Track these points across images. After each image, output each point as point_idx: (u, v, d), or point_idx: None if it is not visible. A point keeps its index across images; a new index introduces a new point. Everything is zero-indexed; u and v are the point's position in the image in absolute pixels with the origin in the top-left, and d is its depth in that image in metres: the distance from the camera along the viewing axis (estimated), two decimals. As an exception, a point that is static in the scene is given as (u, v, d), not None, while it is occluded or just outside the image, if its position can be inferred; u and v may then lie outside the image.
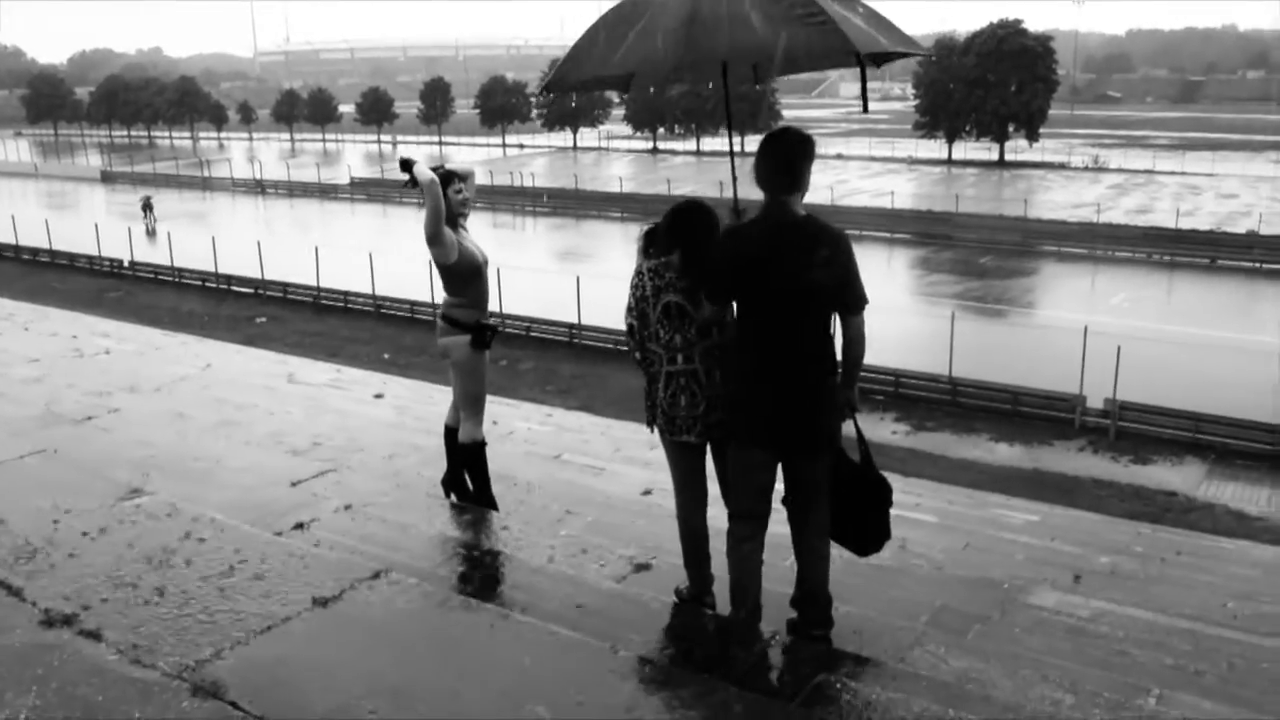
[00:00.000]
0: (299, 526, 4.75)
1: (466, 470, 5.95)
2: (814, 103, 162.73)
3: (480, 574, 4.28)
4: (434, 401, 16.89)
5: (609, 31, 3.86)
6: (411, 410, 14.08)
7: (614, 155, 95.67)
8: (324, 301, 37.22)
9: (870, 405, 26.55)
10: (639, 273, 4.47)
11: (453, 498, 6.14)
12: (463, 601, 3.62)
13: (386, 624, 3.45)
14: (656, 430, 4.61)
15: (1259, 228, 48.49)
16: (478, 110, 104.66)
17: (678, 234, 4.41)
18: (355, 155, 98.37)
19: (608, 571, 4.95)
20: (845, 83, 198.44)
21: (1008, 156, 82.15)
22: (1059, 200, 60.59)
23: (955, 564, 7.28)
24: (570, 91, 4.42)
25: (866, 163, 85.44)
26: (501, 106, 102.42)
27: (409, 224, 60.63)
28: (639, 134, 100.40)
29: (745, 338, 4.10)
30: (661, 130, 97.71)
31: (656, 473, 10.91)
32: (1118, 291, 39.60)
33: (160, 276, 42.15)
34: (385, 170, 79.07)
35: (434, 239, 5.57)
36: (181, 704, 2.88)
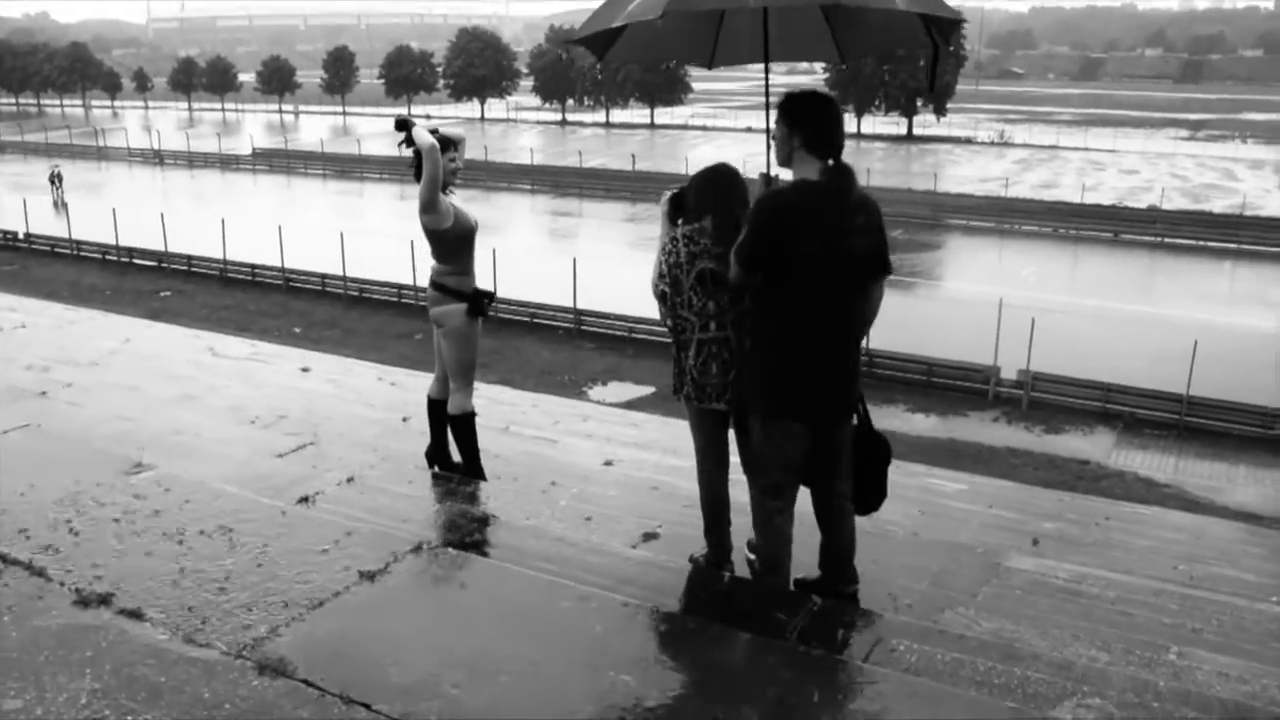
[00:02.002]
0: (304, 500, 4.59)
1: (457, 441, 5.83)
2: (721, 75, 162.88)
3: (505, 543, 4.18)
4: (360, 375, 16.59)
5: None
6: (345, 383, 13.82)
7: (523, 127, 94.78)
8: (231, 275, 36.25)
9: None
10: (672, 239, 4.38)
11: (435, 469, 6.04)
12: (510, 571, 3.52)
13: (442, 596, 3.36)
14: (683, 398, 4.56)
15: (1160, 203, 50.23)
16: (383, 80, 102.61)
17: (709, 199, 4.35)
18: (256, 125, 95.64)
19: (621, 540, 4.90)
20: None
21: (916, 131, 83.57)
22: (967, 174, 61.87)
23: (924, 530, 7.39)
24: (580, 46, 4.29)
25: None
26: (407, 76, 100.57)
27: (314, 195, 59.45)
28: (548, 105, 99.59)
29: (781, 307, 3.98)
30: (570, 102, 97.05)
31: (603, 444, 10.91)
32: (1026, 265, 40.63)
33: (58, 249, 40.56)
34: (288, 140, 77.22)
35: (430, 205, 5.41)
36: (251, 682, 2.75)
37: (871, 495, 4.41)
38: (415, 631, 3.12)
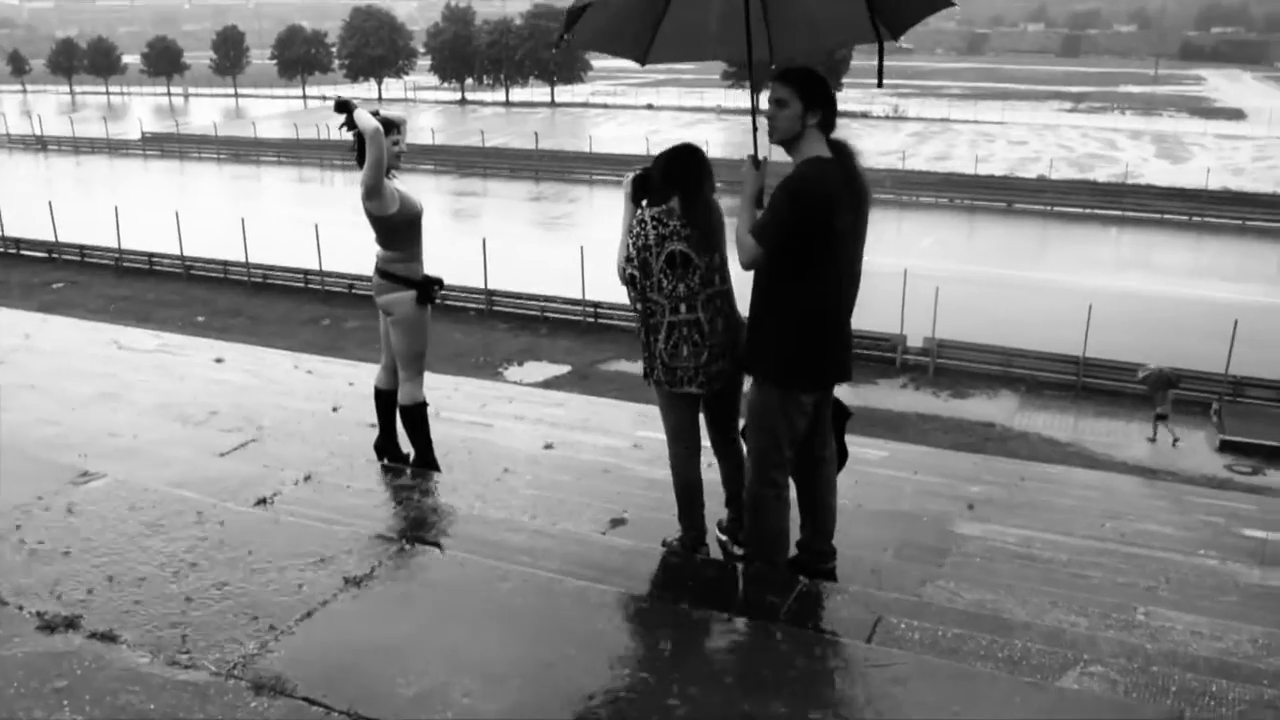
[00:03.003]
0: (262, 502, 4.38)
1: (409, 432, 5.66)
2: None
3: (484, 538, 4.03)
4: (275, 364, 16.22)
5: None
6: (264, 374, 13.49)
7: (422, 106, 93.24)
8: (127, 264, 35.03)
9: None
10: (640, 221, 4.28)
11: (385, 461, 5.87)
12: (503, 569, 3.40)
13: (436, 599, 3.21)
14: (653, 382, 4.48)
15: (1049, 173, 51.65)
16: (275, 61, 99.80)
17: (676, 179, 4.28)
18: (144, 108, 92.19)
19: (591, 527, 4.81)
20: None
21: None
22: (864, 147, 61.42)
23: (866, 500, 7.45)
24: (588, 46, 4.19)
25: (677, 113, 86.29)
26: (300, 57, 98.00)
27: (210, 180, 57.69)
28: (446, 84, 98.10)
29: (806, 280, 3.96)
30: (470, 81, 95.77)
31: (536, 426, 10.81)
32: (925, 235, 41.40)
33: (-64, 241, 38.65)
34: (179, 124, 74.74)
35: (375, 191, 5.23)
36: (250, 704, 2.57)
37: (839, 457, 4.45)
38: (415, 638, 2.98)
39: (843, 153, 3.95)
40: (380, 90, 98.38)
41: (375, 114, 5.26)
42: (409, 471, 5.52)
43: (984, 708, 2.66)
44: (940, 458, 12.99)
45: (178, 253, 34.06)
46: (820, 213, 3.82)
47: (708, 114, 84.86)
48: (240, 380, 11.69)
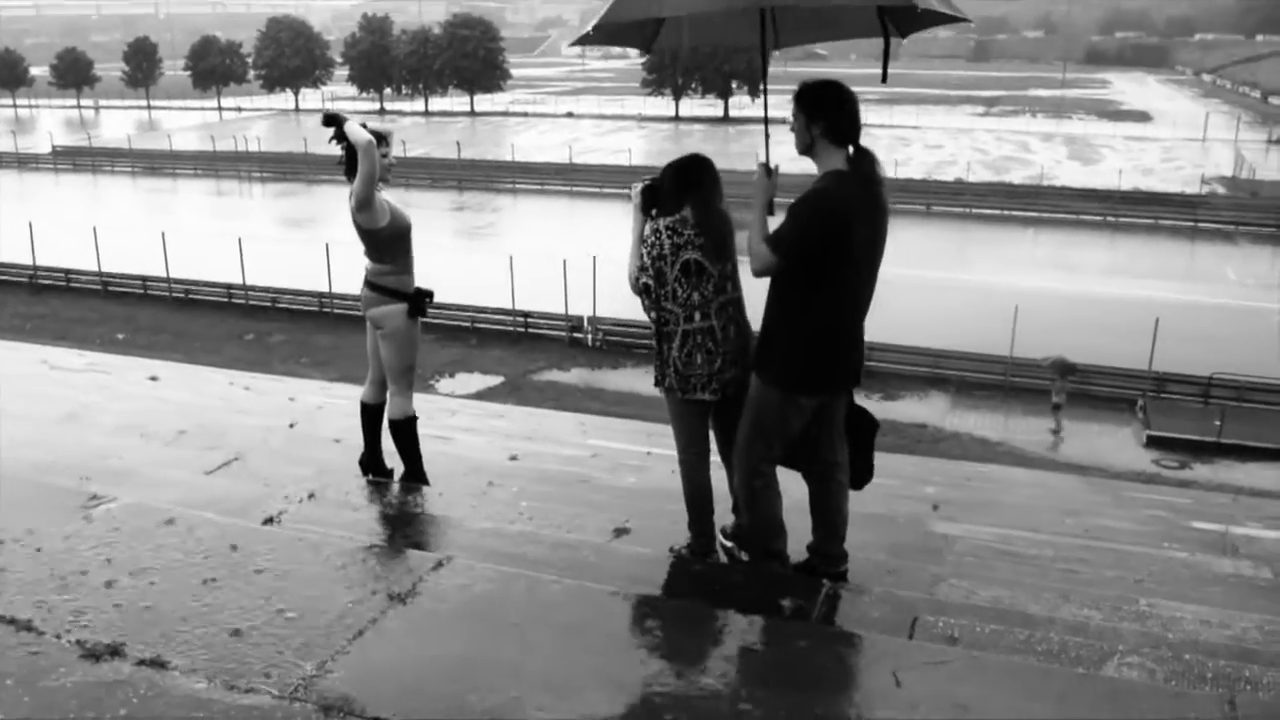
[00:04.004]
0: (270, 521, 4.30)
1: (399, 446, 5.60)
2: (536, 61, 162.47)
3: (507, 550, 4.00)
4: (212, 381, 15.91)
5: None
6: (206, 391, 13.24)
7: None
8: (42, 280, 33.97)
9: (634, 359, 27.28)
10: (655, 230, 4.31)
11: (369, 477, 5.79)
12: (545, 581, 3.37)
13: (485, 612, 3.16)
14: (664, 390, 4.51)
15: (966, 176, 52.77)
16: (189, 72, 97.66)
17: (686, 189, 4.32)
18: (53, 121, 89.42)
19: (601, 538, 4.81)
20: (566, 42, 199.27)
21: (732, 113, 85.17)
22: (786, 153, 62.83)
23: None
24: (603, 41, 4.17)
25: (598, 120, 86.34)
26: (215, 68, 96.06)
27: (125, 193, 56.24)
28: (364, 95, 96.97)
29: (818, 289, 4.01)
30: (388, 91, 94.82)
31: (492, 438, 10.75)
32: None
33: None
34: (91, 136, 72.72)
35: (366, 203, 5.17)
36: (321, 727, 2.54)
37: (863, 470, 4.50)
38: (474, 653, 2.94)
39: (863, 165, 3.99)
40: (297, 101, 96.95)
41: (363, 126, 5.20)
42: (402, 486, 5.46)
43: (1046, 701, 2.73)
44: (885, 460, 13.14)
45: (95, 269, 33.12)
46: (836, 227, 3.88)
47: (628, 122, 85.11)
48: (185, 399, 11.44)
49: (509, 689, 2.74)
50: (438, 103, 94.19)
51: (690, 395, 4.41)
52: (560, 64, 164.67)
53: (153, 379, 13.88)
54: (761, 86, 4.53)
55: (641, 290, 4.40)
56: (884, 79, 4.48)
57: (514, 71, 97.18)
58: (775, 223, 4.10)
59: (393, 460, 5.82)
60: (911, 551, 5.26)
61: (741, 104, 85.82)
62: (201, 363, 22.33)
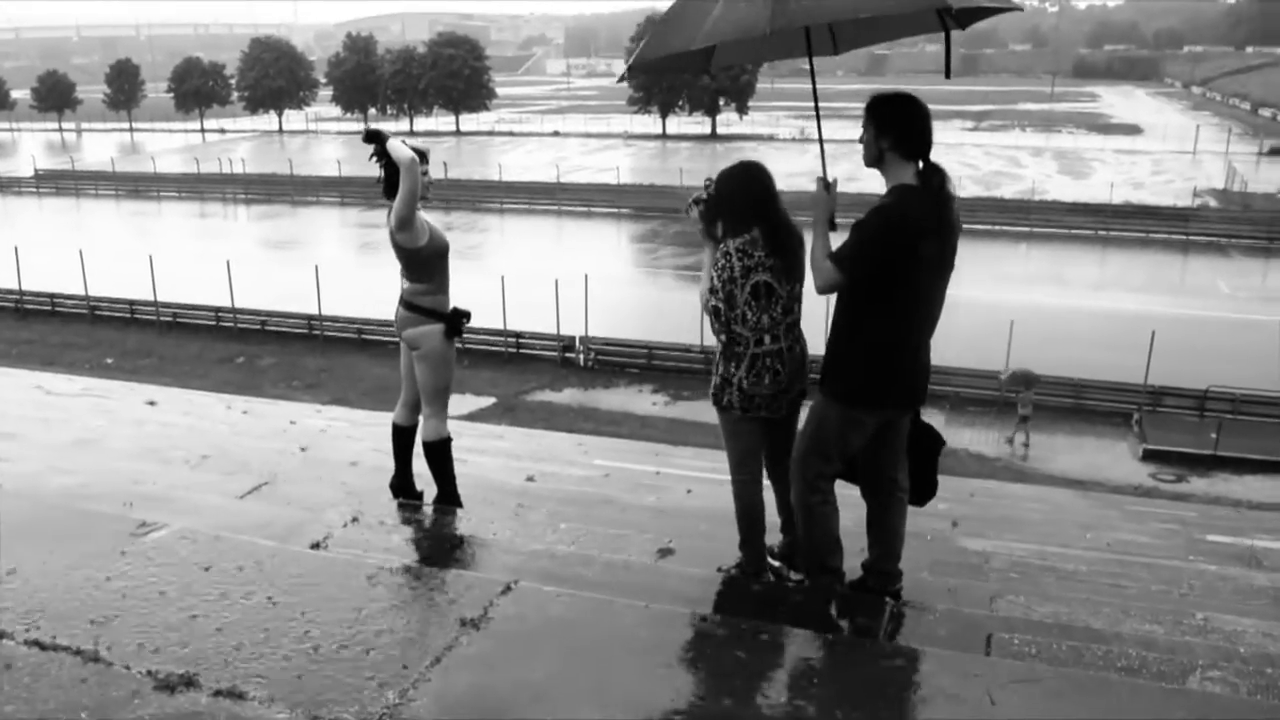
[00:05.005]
0: (316, 545, 4.22)
1: (432, 468, 5.53)
2: (521, 80, 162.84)
3: (564, 573, 3.93)
4: (210, 406, 15.85)
5: (693, 3, 3.71)
6: (210, 415, 13.23)
7: (324, 138, 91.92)
8: (28, 305, 33.75)
9: (627, 378, 27.23)
10: (725, 253, 4.24)
11: (400, 499, 5.73)
12: (616, 604, 3.31)
13: (562, 636, 3.10)
14: (721, 409, 4.45)
15: (957, 191, 52.82)
16: (172, 94, 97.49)
17: (755, 207, 4.26)
18: (35, 144, 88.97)
19: (647, 558, 4.76)
20: (551, 60, 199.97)
21: (719, 130, 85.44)
22: (775, 170, 62.96)
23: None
24: (653, 72, 4.13)
25: (584, 139, 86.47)
26: (198, 89, 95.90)
27: (109, 217, 55.97)
28: (349, 115, 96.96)
29: (887, 305, 3.99)
30: (373, 110, 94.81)
31: (496, 458, 10.69)
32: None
33: None
34: (74, 160, 72.37)
35: (407, 223, 5.11)
36: (414, 755, 2.48)
37: (925, 487, 4.45)
38: (555, 678, 2.88)
39: (933, 180, 3.97)
40: (281, 121, 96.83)
41: (403, 143, 5.16)
42: (438, 509, 5.39)
43: (1140, 717, 2.68)
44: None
45: (82, 293, 32.91)
46: (903, 244, 3.85)
47: (615, 140, 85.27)
48: (188, 423, 11.38)
49: (593, 713, 2.69)
50: (423, 122, 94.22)
51: (753, 413, 4.37)
52: (545, 82, 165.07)
53: (150, 403, 13.81)
54: (814, 106, 4.48)
55: (711, 313, 4.35)
56: (947, 74, 4.47)
57: (499, 90, 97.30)
58: (835, 238, 4.06)
59: (421, 483, 5.77)
60: (954, 569, 5.22)
61: (729, 121, 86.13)
62: (192, 387, 22.23)
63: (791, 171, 62.51)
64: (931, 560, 5.42)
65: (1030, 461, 22.28)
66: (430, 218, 5.39)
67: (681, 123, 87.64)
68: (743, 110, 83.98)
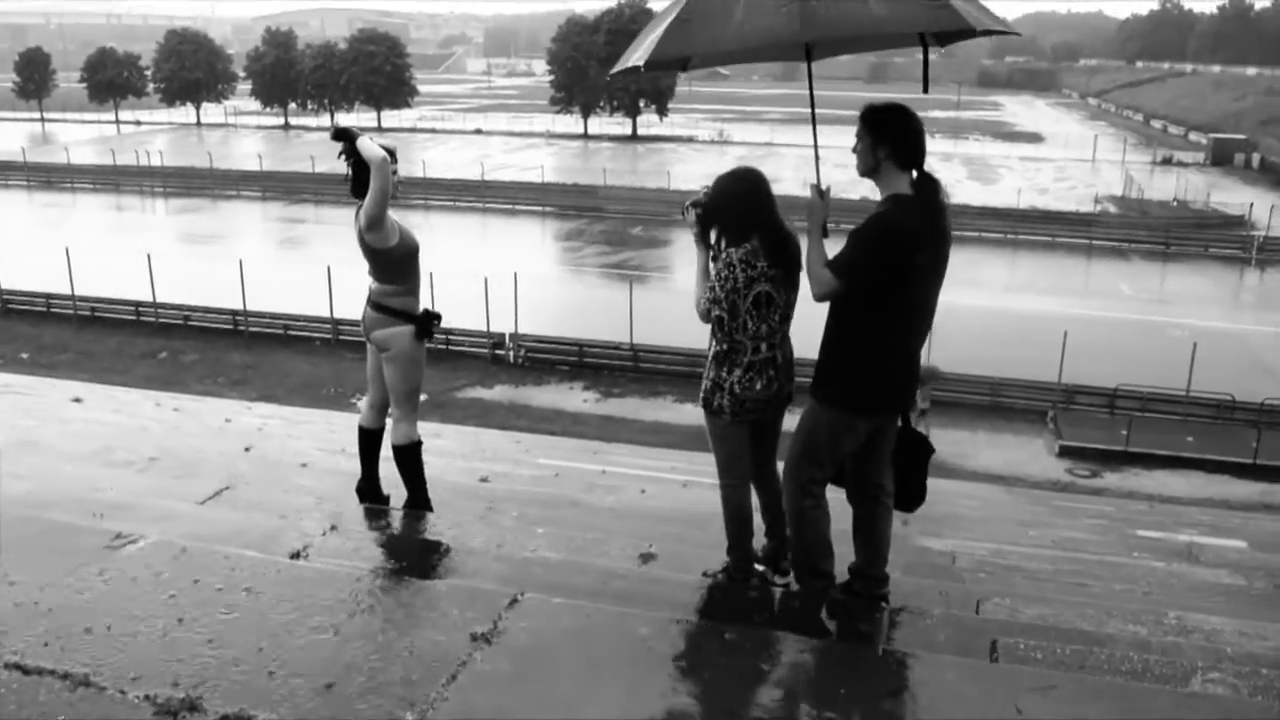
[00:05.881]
0: (296, 555, 4.08)
1: (402, 472, 5.41)
2: (442, 78, 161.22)
3: (563, 581, 3.85)
4: (137, 403, 15.42)
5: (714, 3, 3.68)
6: (140, 413, 12.93)
7: (243, 132, 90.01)
8: (-64, 299, 32.42)
9: (558, 376, 27.16)
10: (728, 264, 4.23)
11: (367, 504, 5.59)
12: (628, 615, 3.24)
13: (579, 650, 3.02)
14: (711, 412, 4.44)
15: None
16: (85, 84, 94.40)
17: (756, 215, 4.25)
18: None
19: (630, 564, 4.71)
20: (471, 59, 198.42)
21: (640, 131, 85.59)
22: (694, 172, 63.65)
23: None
24: (659, 69, 4.05)
25: (506, 138, 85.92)
26: (112, 80, 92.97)
27: (19, 208, 54.03)
28: (269, 110, 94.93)
29: (881, 312, 4.01)
30: (293, 105, 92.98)
31: (440, 458, 10.58)
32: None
33: None
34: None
35: (378, 223, 5.00)
36: (438, 778, 2.38)
37: (915, 494, 4.48)
38: (577, 693, 2.81)
39: (927, 189, 3.99)
40: (199, 114, 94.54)
41: (371, 140, 5.03)
42: (414, 515, 5.28)
43: (1163, 721, 2.73)
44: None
45: (-8, 287, 31.82)
46: (900, 253, 3.88)
47: (537, 139, 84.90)
48: (120, 420, 11.06)
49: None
50: (344, 118, 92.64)
51: (743, 417, 4.37)
52: (466, 81, 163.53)
53: (76, 400, 13.39)
54: (810, 112, 4.49)
55: (714, 322, 4.33)
56: (925, 89, 4.52)
57: (420, 88, 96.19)
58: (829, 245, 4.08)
59: (386, 485, 5.65)
60: (926, 570, 5.27)
61: (649, 122, 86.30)
62: (113, 383, 21.62)
63: (710, 173, 62.42)
64: (904, 562, 5.46)
65: (953, 458, 22.69)
66: (395, 215, 5.27)
67: (603, 123, 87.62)
68: (663, 112, 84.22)
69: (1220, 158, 73.46)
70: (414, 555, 4.28)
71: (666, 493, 8.70)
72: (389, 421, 5.48)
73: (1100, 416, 24.15)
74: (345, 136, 5.04)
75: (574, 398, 25.75)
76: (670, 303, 34.27)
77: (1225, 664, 3.45)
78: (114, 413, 12.34)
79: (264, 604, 3.29)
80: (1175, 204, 54.33)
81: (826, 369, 4.19)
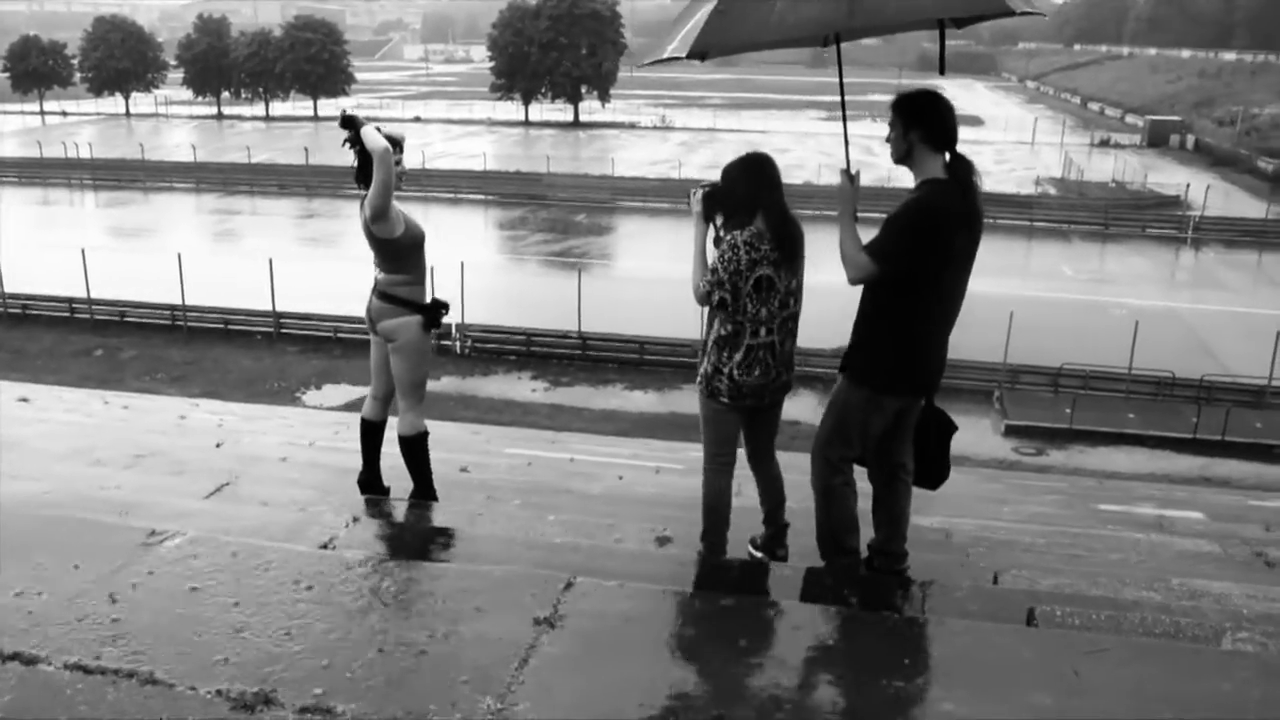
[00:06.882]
0: (324, 547, 4.06)
1: (409, 463, 5.40)
2: (378, 65, 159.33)
3: (594, 566, 3.86)
4: (87, 402, 15.11)
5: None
6: (95, 412, 12.71)
7: (175, 122, 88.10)
8: None
9: (505, 365, 27.08)
10: (732, 245, 4.26)
11: (368, 496, 5.57)
12: (684, 596, 3.28)
13: (647, 632, 3.05)
14: (706, 394, 4.49)
15: (815, 179, 54.12)
16: (7, 74, 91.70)
17: (763, 197, 4.29)
18: None
19: (650, 547, 4.75)
20: (408, 46, 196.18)
21: (582, 117, 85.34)
22: (637, 158, 63.81)
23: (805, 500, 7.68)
24: (694, 58, 4.02)
25: (446, 125, 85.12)
26: (36, 69, 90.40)
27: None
28: (201, 99, 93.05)
29: (919, 294, 4.08)
30: (226, 94, 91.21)
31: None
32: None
33: None
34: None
35: (383, 213, 4.96)
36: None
37: (939, 470, 4.56)
38: (653, 674, 2.81)
39: (961, 172, 4.07)
40: (128, 104, 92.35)
41: (378, 129, 4.99)
42: (426, 505, 5.27)
43: (1216, 679, 2.83)
44: (783, 458, 13.51)
45: (-81, 283, 30.89)
46: (938, 237, 3.97)
47: (478, 126, 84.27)
48: (76, 419, 10.89)
49: (711, 709, 2.66)
50: (279, 107, 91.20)
51: (740, 402, 4.42)
52: (403, 68, 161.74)
53: (22, 400, 13.08)
54: (840, 100, 4.53)
55: (717, 305, 4.35)
56: (941, 71, 4.60)
57: (357, 75, 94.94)
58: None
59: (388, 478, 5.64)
60: (927, 546, 5.36)
61: (591, 109, 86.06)
62: (48, 382, 21.16)
63: (654, 159, 63.05)
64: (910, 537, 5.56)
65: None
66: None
67: (544, 110, 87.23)
68: (605, 98, 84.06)
69: (1156, 139, 75.20)
70: (447, 544, 4.27)
71: (644, 479, 8.75)
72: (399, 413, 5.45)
73: (1044, 395, 24.64)
74: (351, 125, 5.01)
75: (522, 387, 25.72)
76: (616, 290, 34.34)
77: (1246, 625, 3.59)
78: (67, 412, 12.10)
79: (319, 595, 3.27)
80: (1113, 185, 55.45)
81: (861, 349, 4.27)
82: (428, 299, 5.26)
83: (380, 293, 5.21)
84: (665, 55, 3.93)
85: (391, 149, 4.91)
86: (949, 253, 4.00)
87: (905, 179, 3.91)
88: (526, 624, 3.11)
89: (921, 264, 4.01)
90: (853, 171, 4.29)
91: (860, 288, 4.23)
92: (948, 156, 4.10)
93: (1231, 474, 20.17)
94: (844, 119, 4.63)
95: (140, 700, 2.70)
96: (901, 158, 4.14)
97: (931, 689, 2.84)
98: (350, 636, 3.07)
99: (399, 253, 5.14)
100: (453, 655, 2.97)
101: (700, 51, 3.81)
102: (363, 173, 5.05)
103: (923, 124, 4.04)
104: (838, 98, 4.46)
